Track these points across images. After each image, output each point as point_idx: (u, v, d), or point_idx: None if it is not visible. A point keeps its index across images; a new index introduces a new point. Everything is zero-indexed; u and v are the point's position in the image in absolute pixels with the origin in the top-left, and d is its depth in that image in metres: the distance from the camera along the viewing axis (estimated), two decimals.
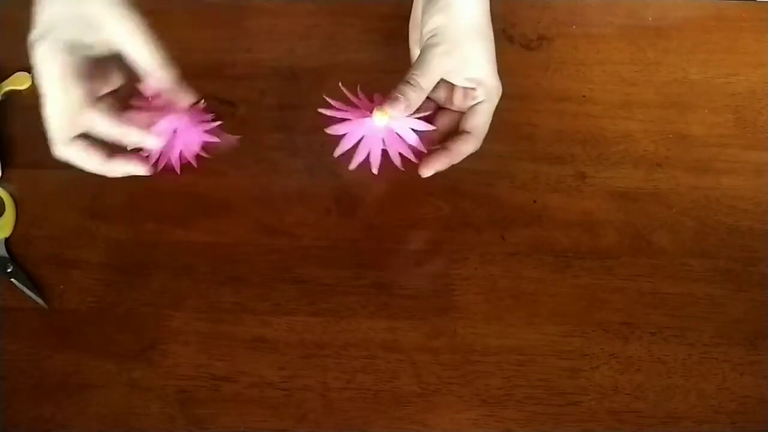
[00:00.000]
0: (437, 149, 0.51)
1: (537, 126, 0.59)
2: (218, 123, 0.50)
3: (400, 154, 0.50)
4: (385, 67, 0.58)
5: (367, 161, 0.50)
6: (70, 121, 0.45)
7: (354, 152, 0.50)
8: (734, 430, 0.48)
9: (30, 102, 0.60)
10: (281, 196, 0.56)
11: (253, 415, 0.48)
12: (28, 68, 0.60)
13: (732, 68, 0.64)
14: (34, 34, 0.45)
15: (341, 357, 0.50)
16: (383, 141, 0.50)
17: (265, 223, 0.55)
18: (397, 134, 0.50)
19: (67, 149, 0.45)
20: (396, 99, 0.48)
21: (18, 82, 0.60)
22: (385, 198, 0.57)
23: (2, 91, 0.59)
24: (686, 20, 0.66)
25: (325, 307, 0.51)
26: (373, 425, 0.48)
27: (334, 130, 0.50)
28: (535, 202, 0.56)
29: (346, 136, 0.50)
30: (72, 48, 0.44)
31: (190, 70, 0.61)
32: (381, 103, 0.49)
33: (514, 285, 0.53)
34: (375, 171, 0.50)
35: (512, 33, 0.64)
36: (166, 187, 0.56)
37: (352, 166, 0.50)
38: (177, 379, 0.48)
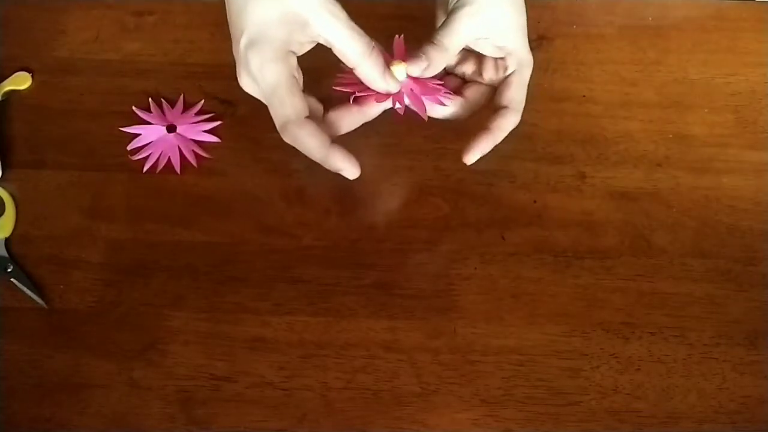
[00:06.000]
0: (478, 133, 0.50)
1: (537, 126, 0.59)
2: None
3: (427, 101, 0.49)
4: None
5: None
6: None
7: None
8: (734, 430, 0.48)
9: (30, 102, 0.60)
10: (281, 196, 0.56)
11: (253, 415, 0.48)
12: (28, 68, 0.61)
13: (732, 68, 0.63)
14: (245, 40, 0.45)
15: (341, 357, 0.50)
16: (404, 99, 0.49)
17: (265, 223, 0.55)
18: (420, 96, 0.49)
19: (300, 127, 0.46)
20: (417, 57, 0.48)
21: (18, 82, 0.60)
22: (385, 198, 0.57)
23: (2, 91, 0.59)
24: (686, 20, 0.66)
25: (325, 307, 0.51)
26: (373, 425, 0.48)
27: (342, 87, 0.49)
28: (535, 202, 0.56)
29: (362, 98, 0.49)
30: (284, 54, 0.45)
31: (190, 70, 0.62)
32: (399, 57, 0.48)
33: (514, 285, 0.53)
34: (401, 111, 0.49)
35: None
36: (166, 187, 0.56)
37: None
38: (177, 379, 0.48)
